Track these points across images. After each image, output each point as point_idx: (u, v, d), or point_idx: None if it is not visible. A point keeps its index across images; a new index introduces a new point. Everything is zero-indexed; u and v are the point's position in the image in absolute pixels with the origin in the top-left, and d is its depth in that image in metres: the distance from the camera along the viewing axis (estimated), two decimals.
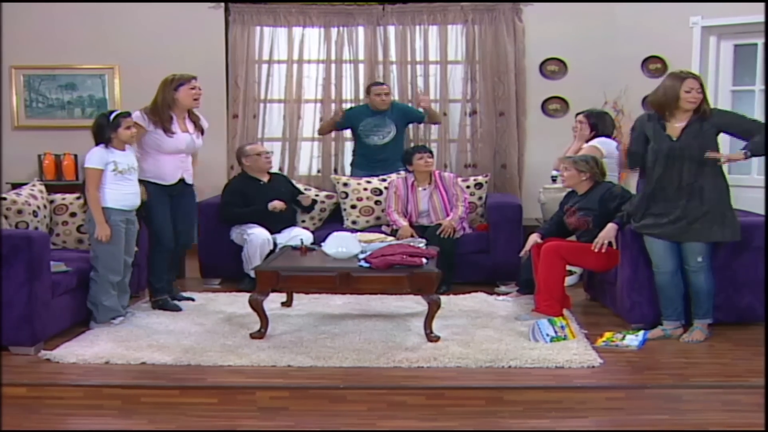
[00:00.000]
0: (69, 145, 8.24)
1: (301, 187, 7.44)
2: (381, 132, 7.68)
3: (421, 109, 7.83)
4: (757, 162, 7.58)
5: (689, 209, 5.18)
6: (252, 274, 6.55)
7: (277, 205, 6.87)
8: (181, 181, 6.11)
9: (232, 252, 6.89)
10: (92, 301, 5.58)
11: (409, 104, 8.28)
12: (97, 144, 5.58)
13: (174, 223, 6.16)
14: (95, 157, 5.53)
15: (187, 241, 6.35)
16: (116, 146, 5.58)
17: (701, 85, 5.20)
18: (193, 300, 6.29)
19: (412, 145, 8.00)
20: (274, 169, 7.62)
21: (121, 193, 5.58)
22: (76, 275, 5.51)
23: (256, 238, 6.68)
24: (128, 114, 5.68)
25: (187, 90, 5.99)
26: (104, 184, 5.52)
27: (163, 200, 6.04)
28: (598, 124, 6.58)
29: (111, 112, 5.65)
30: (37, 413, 4.41)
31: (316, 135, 8.45)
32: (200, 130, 6.21)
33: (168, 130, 5.94)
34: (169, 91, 5.97)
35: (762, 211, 6.00)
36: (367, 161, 7.73)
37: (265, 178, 7.13)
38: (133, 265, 5.89)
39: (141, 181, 5.87)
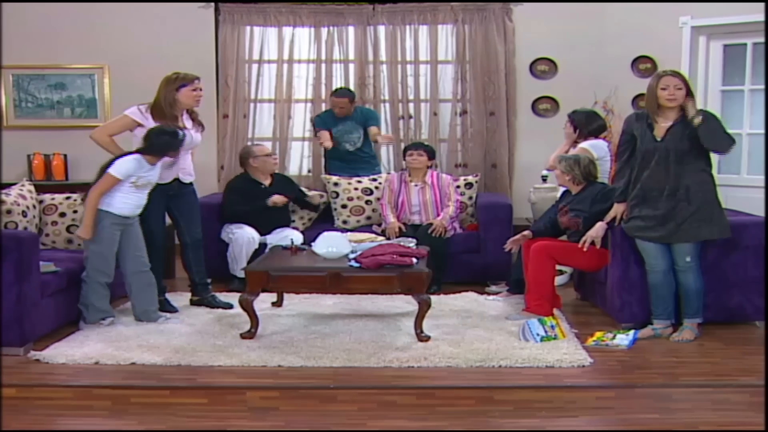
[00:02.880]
0: (58, 145, 8.23)
1: (305, 190, 7.51)
2: (351, 139, 7.69)
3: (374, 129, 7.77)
4: (747, 162, 7.62)
5: (677, 210, 5.18)
6: (238, 274, 6.63)
7: (276, 200, 6.90)
8: (176, 180, 6.03)
9: (221, 252, 6.88)
10: (83, 302, 5.57)
11: (400, 103, 8.33)
12: (141, 151, 5.52)
13: (178, 223, 6.14)
14: (124, 168, 5.44)
15: (195, 238, 6.19)
16: (150, 161, 5.55)
17: (685, 83, 5.19)
18: (231, 307, 6.04)
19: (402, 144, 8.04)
20: None
21: (125, 202, 5.51)
22: (66, 275, 5.49)
23: (240, 237, 6.69)
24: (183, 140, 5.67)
25: (189, 91, 5.89)
26: (116, 189, 5.48)
27: (157, 200, 5.93)
28: (579, 123, 6.54)
29: (176, 130, 5.62)
30: (27, 414, 4.39)
31: (307, 135, 8.46)
32: (199, 125, 6.12)
33: (174, 127, 5.85)
34: (170, 90, 5.86)
35: (752, 211, 6.03)
36: (344, 164, 7.72)
37: (267, 182, 7.13)
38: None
39: None
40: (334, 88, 8.06)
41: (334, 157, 7.76)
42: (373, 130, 7.70)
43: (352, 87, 8.28)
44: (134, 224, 5.69)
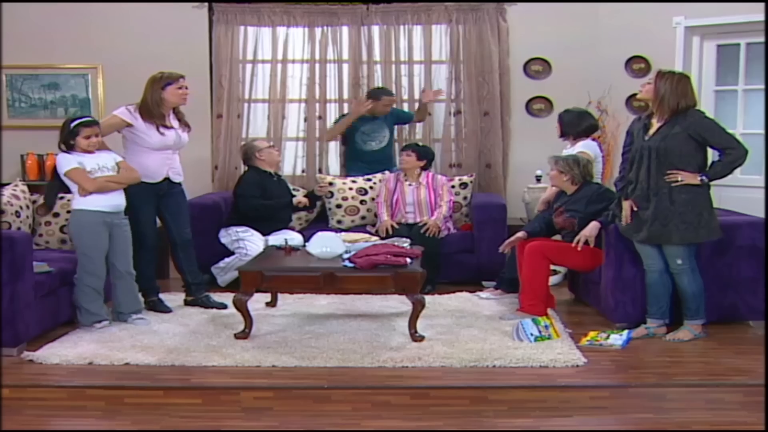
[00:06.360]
0: (52, 145, 7.97)
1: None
2: (378, 137, 7.75)
3: (409, 111, 7.87)
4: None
5: (659, 210, 5.18)
6: (222, 283, 6.80)
7: (302, 200, 7.00)
8: (166, 179, 6.05)
9: (216, 252, 6.87)
10: (75, 304, 5.57)
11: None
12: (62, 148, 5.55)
13: (167, 223, 6.14)
14: (65, 160, 5.49)
15: (185, 238, 6.21)
16: (82, 152, 5.52)
17: (659, 79, 5.18)
18: (225, 307, 6.10)
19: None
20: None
21: (95, 195, 5.50)
22: (59, 276, 5.48)
23: (253, 247, 6.63)
24: (92, 122, 5.60)
25: (175, 90, 5.92)
26: (72, 186, 5.51)
27: (148, 200, 5.97)
28: (567, 124, 6.50)
29: (74, 119, 5.60)
30: (20, 414, 4.39)
31: (301, 135, 8.45)
32: (186, 126, 6.13)
33: (162, 126, 5.88)
34: (156, 89, 5.89)
35: (747, 211, 6.03)
36: (364, 164, 7.75)
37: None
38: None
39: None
40: (371, 88, 8.05)
41: (354, 158, 7.81)
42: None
43: (345, 87, 8.30)
44: (122, 225, 5.67)
